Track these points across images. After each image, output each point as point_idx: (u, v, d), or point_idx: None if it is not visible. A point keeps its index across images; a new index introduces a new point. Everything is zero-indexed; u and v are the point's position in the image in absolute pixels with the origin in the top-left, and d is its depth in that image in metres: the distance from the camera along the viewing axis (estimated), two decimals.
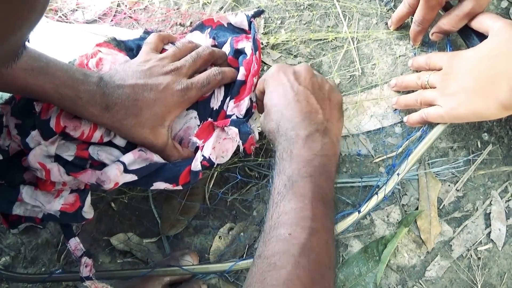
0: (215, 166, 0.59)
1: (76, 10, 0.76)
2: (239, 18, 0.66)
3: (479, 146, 0.69)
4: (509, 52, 0.56)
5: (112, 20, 0.75)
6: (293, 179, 0.49)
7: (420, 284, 0.67)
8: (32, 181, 0.60)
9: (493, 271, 0.67)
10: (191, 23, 0.74)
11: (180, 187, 0.58)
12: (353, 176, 0.68)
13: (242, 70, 0.61)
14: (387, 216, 0.68)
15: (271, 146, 0.58)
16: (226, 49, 0.64)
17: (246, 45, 0.63)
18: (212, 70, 0.60)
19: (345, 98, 0.70)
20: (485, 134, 0.69)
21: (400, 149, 0.67)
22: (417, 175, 0.68)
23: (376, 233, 0.68)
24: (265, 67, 0.72)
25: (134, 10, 0.76)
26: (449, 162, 0.68)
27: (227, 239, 0.69)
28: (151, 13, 0.75)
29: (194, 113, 0.61)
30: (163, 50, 0.63)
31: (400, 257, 0.68)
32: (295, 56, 0.71)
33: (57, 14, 0.76)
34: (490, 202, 0.68)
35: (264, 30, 0.73)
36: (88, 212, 0.60)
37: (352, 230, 0.68)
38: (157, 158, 0.58)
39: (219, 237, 0.69)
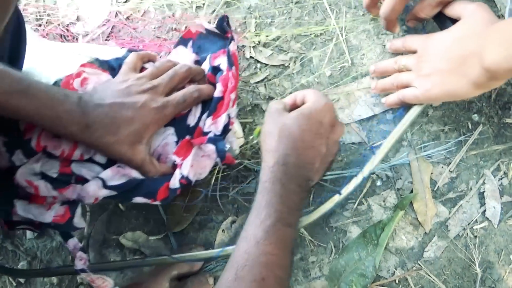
0: (192, 183, 0.61)
1: (75, 23, 0.80)
2: (213, 26, 0.67)
3: (470, 127, 0.70)
4: (481, 33, 0.57)
5: (111, 32, 0.79)
6: (279, 222, 0.53)
7: (419, 265, 0.69)
8: (26, 194, 0.60)
9: (490, 249, 0.68)
10: (185, 27, 0.77)
11: (158, 203, 0.60)
12: (348, 164, 0.70)
13: (219, 87, 0.62)
14: (384, 201, 0.70)
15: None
16: (206, 66, 0.65)
17: (222, 61, 0.63)
18: (189, 88, 0.62)
19: (336, 89, 0.72)
20: (475, 115, 0.70)
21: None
22: (409, 159, 0.70)
23: (374, 218, 0.70)
24: (259, 65, 0.75)
25: (132, 19, 0.79)
26: (441, 144, 0.70)
27: (230, 232, 0.71)
28: (147, 21, 0.78)
29: (171, 130, 0.62)
30: (142, 69, 0.64)
31: (398, 240, 0.69)
32: (286, 52, 0.74)
33: (58, 27, 0.80)
34: (484, 181, 0.69)
35: (255, 29, 0.76)
36: (79, 222, 0.62)
37: (350, 216, 0.70)
38: (135, 174, 0.60)
39: (223, 230, 0.71)
